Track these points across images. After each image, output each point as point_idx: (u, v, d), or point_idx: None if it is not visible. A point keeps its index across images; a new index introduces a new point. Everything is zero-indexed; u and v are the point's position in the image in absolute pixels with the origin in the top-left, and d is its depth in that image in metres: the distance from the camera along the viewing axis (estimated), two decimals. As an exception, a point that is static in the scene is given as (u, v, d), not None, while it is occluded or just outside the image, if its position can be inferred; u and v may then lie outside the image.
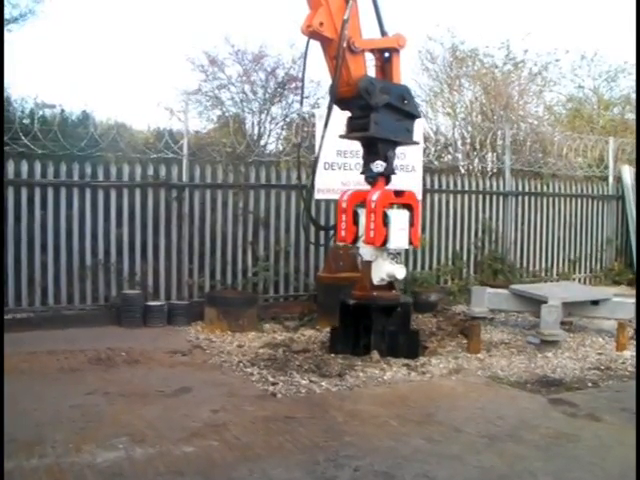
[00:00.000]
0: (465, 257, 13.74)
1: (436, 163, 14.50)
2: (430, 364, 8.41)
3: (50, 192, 10.42)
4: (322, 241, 11.59)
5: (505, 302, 10.63)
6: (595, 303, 10.30)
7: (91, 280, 10.68)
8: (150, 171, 11.07)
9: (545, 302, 9.66)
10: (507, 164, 14.53)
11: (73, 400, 6.75)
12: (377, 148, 8.71)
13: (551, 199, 15.03)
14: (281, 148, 18.27)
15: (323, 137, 8.65)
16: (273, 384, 7.44)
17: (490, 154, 16.18)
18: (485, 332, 10.01)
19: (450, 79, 22.33)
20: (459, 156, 16.18)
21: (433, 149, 14.63)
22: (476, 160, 16.01)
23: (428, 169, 13.33)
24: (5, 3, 20.93)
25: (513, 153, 15.07)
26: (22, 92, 20.15)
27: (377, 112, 8.45)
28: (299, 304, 11.49)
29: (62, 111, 12.84)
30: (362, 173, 8.96)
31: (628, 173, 15.91)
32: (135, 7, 35.00)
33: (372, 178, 8.82)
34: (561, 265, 15.20)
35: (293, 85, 19.65)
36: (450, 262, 13.53)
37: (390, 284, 8.87)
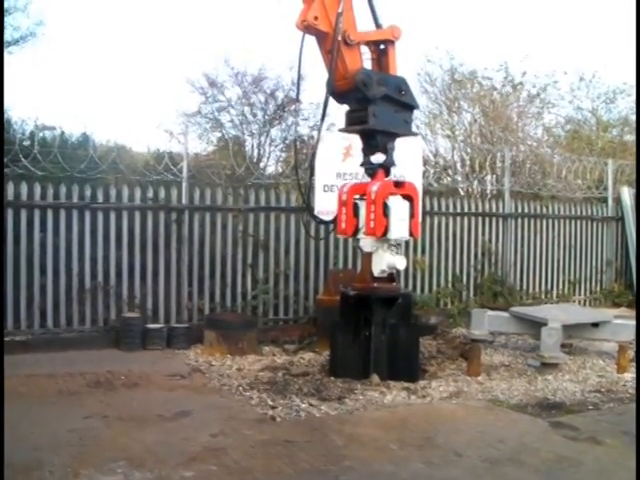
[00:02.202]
0: (465, 279, 13.71)
1: (435, 185, 14.51)
2: (430, 387, 8.37)
3: (49, 214, 10.40)
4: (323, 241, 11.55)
5: (505, 325, 10.60)
6: (595, 325, 10.27)
7: (90, 303, 10.64)
8: (150, 193, 11.06)
9: (545, 324, 9.64)
10: (507, 186, 14.53)
11: (71, 424, 6.72)
12: (376, 140, 8.71)
13: (551, 221, 15.02)
14: (280, 170, 18.29)
15: (320, 131, 8.79)
16: (272, 408, 7.40)
17: (489, 176, 16.18)
18: (485, 355, 9.98)
19: (449, 101, 22.39)
20: (458, 178, 16.20)
21: (432, 171, 14.65)
22: (475, 182, 16.01)
23: (427, 191, 13.32)
24: (7, 25, 21.10)
25: (512, 175, 15.08)
26: (22, 114, 20.24)
27: (375, 104, 8.47)
28: (299, 327, 11.44)
29: (62, 133, 12.90)
30: (362, 165, 8.96)
31: (627, 194, 15.92)
32: (135, 30, 35.16)
33: (372, 170, 8.83)
34: (561, 287, 15.17)
35: (293, 107, 19.66)
36: (450, 284, 13.50)
37: (391, 276, 8.84)
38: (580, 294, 15.43)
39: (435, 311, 12.62)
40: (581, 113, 24.38)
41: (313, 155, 9.48)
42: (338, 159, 10.76)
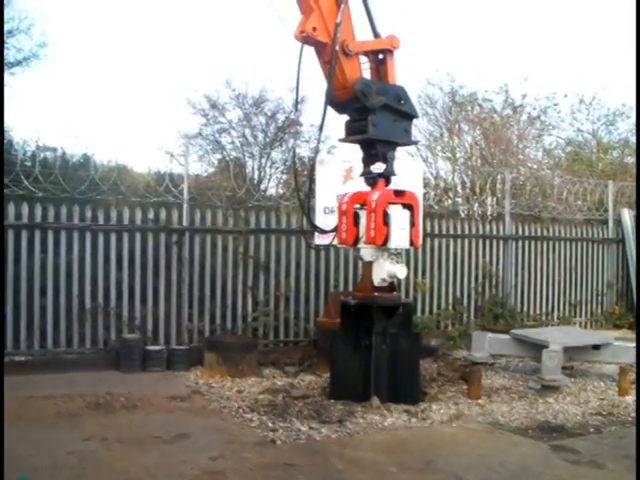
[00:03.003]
0: (465, 301, 13.68)
1: (436, 207, 14.51)
2: (431, 410, 8.33)
3: (50, 235, 10.41)
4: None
5: (506, 347, 10.58)
6: (596, 348, 10.26)
7: (90, 324, 10.62)
8: (150, 215, 11.08)
9: (546, 347, 9.63)
10: (507, 208, 14.54)
11: (70, 446, 6.69)
12: (376, 150, 8.73)
13: (551, 243, 15.02)
14: (281, 192, 18.30)
15: (319, 140, 8.98)
16: (273, 430, 7.38)
17: (490, 198, 16.18)
18: (486, 377, 9.95)
19: (450, 123, 22.50)
20: (459, 200, 16.19)
21: (433, 193, 14.66)
22: (476, 204, 16.01)
23: (428, 214, 13.32)
24: (10, 47, 21.26)
25: (513, 197, 15.09)
26: (24, 135, 20.30)
27: (374, 114, 8.50)
28: (299, 349, 11.41)
29: (63, 154, 12.90)
30: (362, 175, 8.97)
31: (628, 216, 15.93)
32: (137, 51, 35.31)
33: (372, 179, 8.83)
34: (562, 309, 15.13)
35: (293, 130, 19.72)
36: (450, 307, 13.47)
37: (391, 285, 8.84)
38: (581, 316, 15.39)
39: (435, 333, 12.58)
40: (581, 135, 24.53)
41: (312, 165, 9.51)
42: (339, 181, 10.76)
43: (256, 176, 21.38)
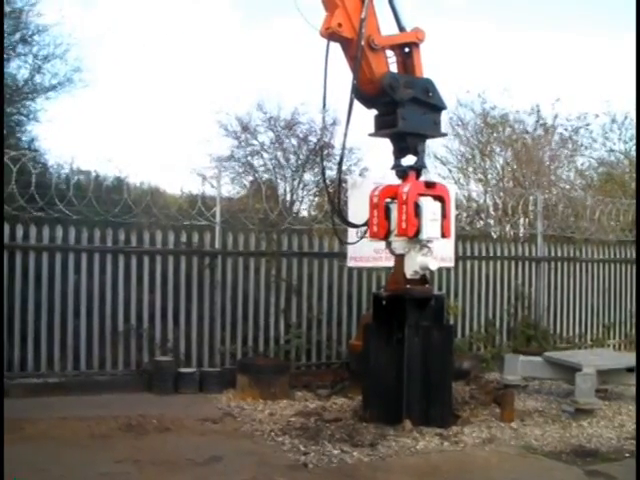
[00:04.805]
0: (498, 324, 13.60)
1: (468, 229, 14.48)
2: (463, 433, 8.28)
3: (84, 257, 10.51)
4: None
5: (539, 370, 10.49)
6: (630, 370, 10.13)
7: (123, 346, 10.69)
8: (183, 238, 11.15)
9: (579, 370, 9.54)
10: (539, 229, 14.46)
11: (102, 468, 6.73)
12: (406, 143, 8.81)
13: (584, 264, 14.90)
14: (314, 214, 18.33)
15: (346, 134, 8.71)
16: (305, 454, 7.37)
17: (522, 219, 16.13)
18: (519, 400, 9.86)
19: (481, 145, 22.45)
20: (491, 222, 16.15)
21: (465, 215, 14.63)
22: (508, 226, 15.96)
23: (460, 235, 13.28)
24: (45, 72, 21.57)
25: (545, 218, 15.01)
26: (58, 158, 20.55)
27: (403, 107, 8.60)
28: (331, 372, 11.40)
29: (97, 177, 13.01)
30: (392, 168, 9.02)
31: (661, 237, 15.78)
32: (169, 74, 35.60)
33: (403, 172, 8.89)
34: (595, 331, 14.99)
35: (326, 152, 19.79)
36: (483, 329, 13.40)
37: (423, 278, 8.85)
38: (614, 338, 15.23)
39: (468, 356, 12.50)
40: (614, 155, 24.35)
41: (341, 159, 9.56)
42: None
43: (288, 198, 21.43)
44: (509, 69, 34.53)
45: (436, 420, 8.52)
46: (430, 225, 8.54)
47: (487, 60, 33.52)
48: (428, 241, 8.68)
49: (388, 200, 8.75)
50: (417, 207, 8.47)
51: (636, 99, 12.56)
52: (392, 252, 8.99)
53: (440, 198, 8.76)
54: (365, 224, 9.24)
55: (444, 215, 8.75)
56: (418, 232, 8.49)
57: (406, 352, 8.54)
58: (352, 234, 10.61)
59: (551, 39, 38.08)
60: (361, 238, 9.81)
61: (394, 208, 8.64)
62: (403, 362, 8.54)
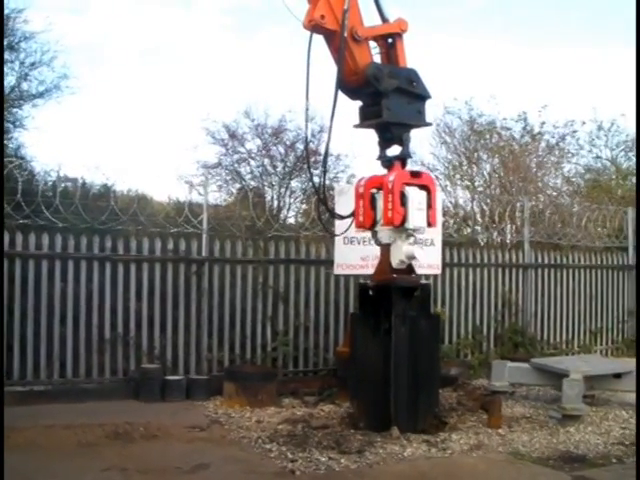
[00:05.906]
0: (485, 330, 13.61)
1: (455, 236, 14.50)
2: (450, 440, 8.29)
3: (70, 265, 10.46)
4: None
5: (526, 376, 10.51)
6: (618, 376, 10.16)
7: (110, 353, 10.65)
8: (170, 245, 11.12)
9: (567, 376, 9.55)
10: (526, 236, 14.50)
11: (89, 476, 6.72)
12: (391, 133, 8.86)
13: (571, 270, 14.93)
14: (301, 222, 18.33)
15: (331, 128, 8.69)
16: (292, 461, 7.36)
17: (509, 226, 16.18)
18: (506, 407, 9.88)
19: (468, 152, 22.50)
20: (478, 229, 16.18)
21: (452, 222, 14.66)
22: (495, 233, 15.99)
23: (447, 242, 13.30)
24: (32, 78, 21.57)
25: (532, 225, 15.04)
26: (45, 165, 20.55)
27: (387, 97, 8.65)
28: (318, 379, 11.38)
29: (83, 184, 12.99)
30: (378, 159, 9.04)
31: (648, 243, 15.82)
32: (157, 81, 35.65)
33: (388, 162, 8.92)
34: (582, 337, 15.01)
35: (313, 159, 19.81)
36: (470, 335, 13.40)
37: (409, 267, 8.83)
38: (602, 344, 15.27)
39: (455, 362, 12.51)
40: (600, 162, 24.51)
41: (326, 151, 9.57)
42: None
43: (275, 206, 21.45)
44: (496, 77, 34.72)
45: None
46: (416, 214, 8.55)
47: (474, 68, 33.64)
48: (414, 230, 8.68)
49: (374, 190, 8.76)
50: (403, 196, 8.48)
51: (636, 99, 12.59)
52: (378, 242, 8.98)
53: (426, 187, 8.79)
54: (351, 215, 9.26)
55: (429, 205, 8.76)
56: (404, 221, 8.49)
57: (393, 342, 8.54)
58: (339, 243, 10.64)
59: (537, 47, 38.28)
60: (347, 230, 9.77)
61: (380, 198, 8.65)
62: (390, 351, 8.53)
